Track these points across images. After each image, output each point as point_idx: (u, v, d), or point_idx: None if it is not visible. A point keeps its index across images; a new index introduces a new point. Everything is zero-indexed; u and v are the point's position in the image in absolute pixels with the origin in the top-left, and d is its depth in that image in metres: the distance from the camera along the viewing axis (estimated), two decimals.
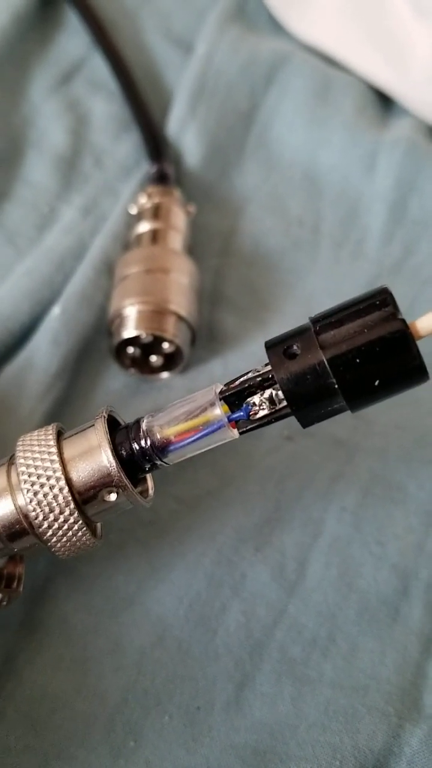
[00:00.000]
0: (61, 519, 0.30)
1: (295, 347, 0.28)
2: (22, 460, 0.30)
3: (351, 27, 0.58)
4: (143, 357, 0.44)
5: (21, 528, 0.30)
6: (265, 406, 0.29)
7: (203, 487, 0.41)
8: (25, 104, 0.55)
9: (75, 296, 0.45)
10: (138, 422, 0.31)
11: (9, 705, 0.35)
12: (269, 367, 0.28)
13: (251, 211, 0.52)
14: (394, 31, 0.57)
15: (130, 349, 0.43)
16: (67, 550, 0.31)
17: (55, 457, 0.30)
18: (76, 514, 0.30)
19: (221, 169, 0.53)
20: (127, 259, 0.45)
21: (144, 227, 0.47)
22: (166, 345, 0.43)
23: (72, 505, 0.30)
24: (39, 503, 0.30)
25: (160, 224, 0.46)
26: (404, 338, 0.27)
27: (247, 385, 0.29)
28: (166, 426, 0.30)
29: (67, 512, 0.30)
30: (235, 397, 0.29)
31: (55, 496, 0.30)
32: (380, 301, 0.27)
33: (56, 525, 0.30)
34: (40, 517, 0.30)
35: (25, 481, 0.30)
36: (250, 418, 0.29)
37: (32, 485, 0.30)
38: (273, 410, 0.29)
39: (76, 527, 0.30)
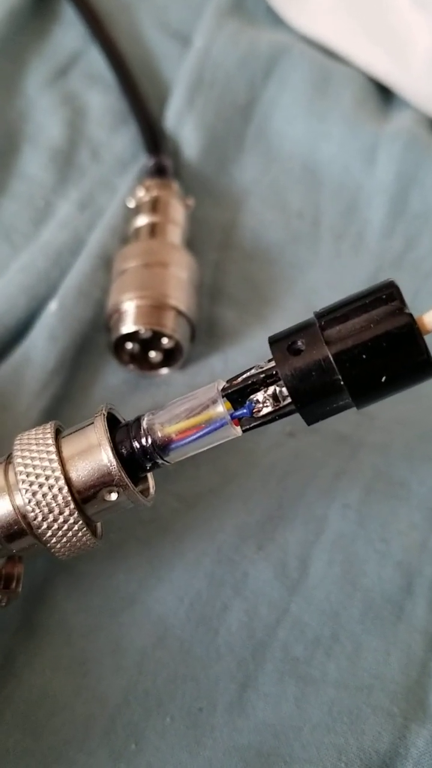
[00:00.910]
0: (61, 519, 0.29)
1: (299, 343, 0.27)
2: (20, 459, 0.30)
3: (350, 19, 0.58)
4: (142, 353, 0.43)
5: (19, 528, 0.30)
6: (268, 403, 0.28)
7: (204, 484, 0.40)
8: (21, 98, 0.55)
9: (72, 291, 0.44)
10: (138, 420, 0.30)
11: (7, 707, 0.34)
12: (273, 363, 0.28)
13: (251, 204, 0.52)
14: (394, 23, 0.56)
15: (129, 345, 0.43)
16: (67, 550, 0.31)
17: (54, 456, 0.29)
18: (76, 514, 0.29)
19: (220, 162, 0.53)
20: (125, 253, 0.44)
21: (142, 221, 0.46)
22: (165, 340, 0.42)
23: (72, 505, 0.29)
24: (38, 503, 0.29)
25: (159, 218, 0.46)
26: (412, 333, 0.26)
27: (250, 381, 0.28)
28: (167, 424, 0.29)
29: (66, 512, 0.29)
30: (237, 394, 0.29)
31: (54, 496, 0.29)
32: (387, 295, 0.27)
33: (56, 525, 0.29)
34: (39, 518, 0.29)
35: (24, 481, 0.29)
36: (254, 415, 0.29)
37: (31, 485, 0.29)
38: (277, 407, 0.28)
39: (76, 527, 0.30)
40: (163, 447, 0.29)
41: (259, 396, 0.28)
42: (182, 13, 0.60)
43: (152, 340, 0.43)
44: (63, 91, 0.56)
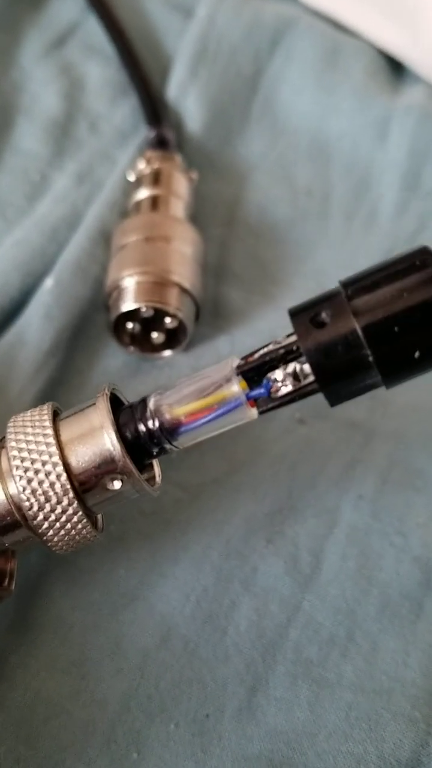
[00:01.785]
0: (59, 510, 0.28)
1: (323, 315, 0.26)
2: (13, 443, 0.28)
3: None
4: (144, 333, 0.42)
5: (13, 520, 0.28)
6: (288, 382, 0.27)
7: (209, 473, 0.39)
8: (15, 69, 0.55)
9: (69, 267, 0.43)
10: (144, 401, 0.29)
11: None
12: (293, 338, 0.27)
13: (257, 179, 0.51)
14: None
15: (130, 325, 0.42)
16: (65, 544, 0.29)
17: (51, 440, 0.28)
18: (75, 504, 0.28)
19: (225, 135, 0.53)
20: (125, 227, 0.43)
21: (143, 194, 0.45)
22: (168, 320, 0.41)
23: (71, 494, 0.28)
24: (33, 492, 0.28)
25: (161, 190, 0.45)
26: None
27: (267, 358, 0.27)
28: (176, 405, 0.28)
29: (65, 502, 0.28)
30: (254, 372, 0.27)
31: (51, 484, 0.28)
32: (421, 261, 0.25)
33: (53, 517, 0.28)
34: (35, 508, 0.28)
35: (18, 467, 0.28)
36: (272, 395, 0.27)
37: (26, 471, 0.28)
38: (297, 386, 0.27)
39: (75, 519, 0.28)
40: (171, 430, 0.28)
41: (278, 374, 0.27)
42: None
43: (154, 320, 0.41)
44: (60, 62, 0.56)
